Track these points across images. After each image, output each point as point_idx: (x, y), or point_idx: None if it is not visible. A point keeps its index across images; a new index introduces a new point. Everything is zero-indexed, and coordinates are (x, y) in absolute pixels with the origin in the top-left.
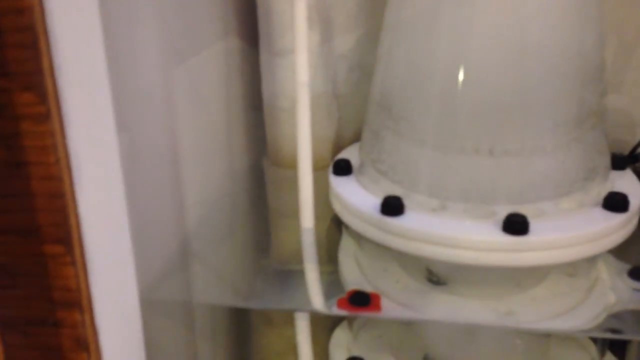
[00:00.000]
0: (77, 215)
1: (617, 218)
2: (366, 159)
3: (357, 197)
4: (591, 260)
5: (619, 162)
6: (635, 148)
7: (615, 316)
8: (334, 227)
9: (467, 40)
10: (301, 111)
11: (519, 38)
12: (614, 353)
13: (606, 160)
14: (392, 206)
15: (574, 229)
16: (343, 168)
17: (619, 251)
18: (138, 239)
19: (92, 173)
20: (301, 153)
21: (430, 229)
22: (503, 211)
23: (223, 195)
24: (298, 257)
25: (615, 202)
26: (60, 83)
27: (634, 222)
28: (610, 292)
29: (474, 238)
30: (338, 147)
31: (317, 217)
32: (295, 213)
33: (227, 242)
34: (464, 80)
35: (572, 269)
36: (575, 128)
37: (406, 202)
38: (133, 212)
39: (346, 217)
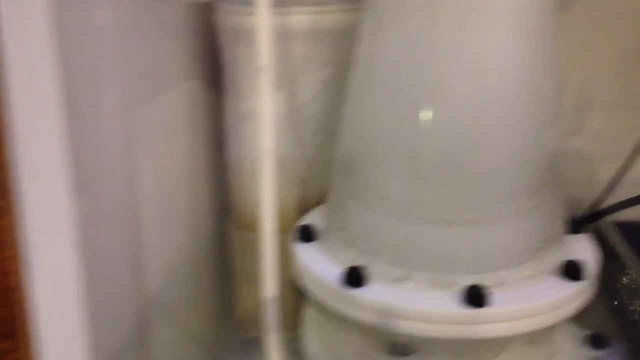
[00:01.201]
0: (28, 310)
1: (574, 286)
2: (331, 226)
3: (319, 266)
4: (551, 327)
5: (575, 226)
6: (592, 211)
7: None
8: (300, 291)
9: (429, 112)
10: (265, 177)
11: (480, 111)
12: None
13: (563, 226)
14: (354, 277)
15: (533, 300)
16: (306, 234)
17: (578, 317)
18: (94, 325)
19: (47, 264)
20: (264, 222)
21: (391, 301)
22: (465, 280)
23: (186, 260)
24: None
25: (573, 271)
26: (19, 176)
27: (591, 288)
28: None
29: (435, 311)
30: (304, 208)
31: (283, 282)
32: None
33: (189, 310)
34: (426, 150)
35: (533, 336)
36: (534, 196)
37: (370, 271)
38: (89, 296)
39: (308, 286)
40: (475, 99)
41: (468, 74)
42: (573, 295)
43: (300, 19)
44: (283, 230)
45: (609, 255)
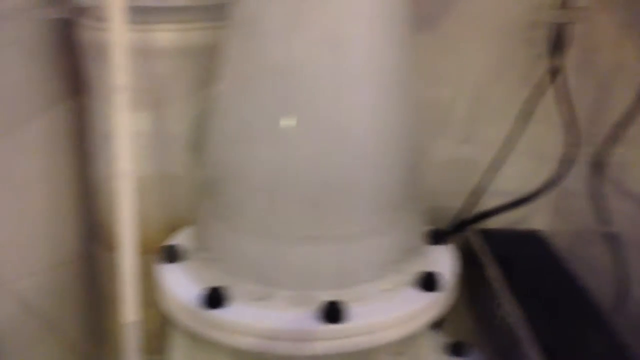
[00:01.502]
0: None
1: (429, 297)
2: (196, 246)
3: (180, 288)
4: (415, 337)
5: (437, 238)
6: (457, 222)
7: None
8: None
9: (290, 132)
10: (123, 197)
11: (340, 131)
12: None
13: (423, 239)
14: (214, 298)
15: (388, 312)
16: (171, 255)
17: (450, 325)
18: None
19: None
20: (123, 244)
21: (251, 321)
22: (325, 296)
23: (46, 287)
24: None
25: (429, 282)
26: None
27: (448, 298)
28: None
29: (294, 329)
30: (173, 229)
31: (150, 303)
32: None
33: (49, 340)
34: (286, 170)
35: (399, 347)
36: (394, 211)
37: (233, 290)
38: None
39: (169, 308)
40: (335, 119)
41: (328, 95)
42: (428, 306)
43: (165, 36)
44: (151, 251)
45: (475, 262)
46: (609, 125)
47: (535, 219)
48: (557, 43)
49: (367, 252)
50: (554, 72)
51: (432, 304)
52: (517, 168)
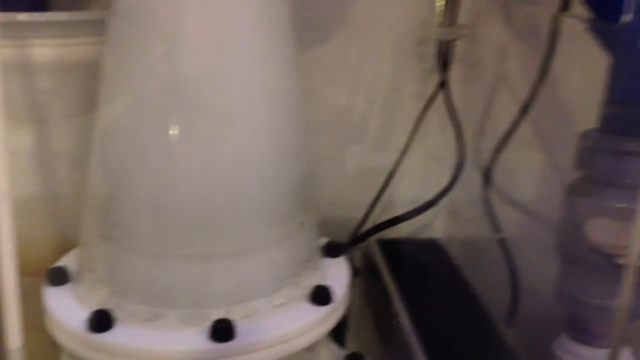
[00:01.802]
0: None
1: (322, 311)
2: (83, 267)
3: (65, 311)
4: (311, 350)
5: (333, 250)
6: (355, 236)
7: None
8: None
9: (174, 148)
10: (1, 223)
11: (224, 145)
12: None
13: (317, 252)
14: (99, 321)
15: (278, 328)
16: (57, 277)
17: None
18: None
19: None
20: (4, 274)
21: (137, 344)
22: (217, 314)
23: None
24: None
25: (320, 296)
26: None
27: (340, 310)
28: None
29: (183, 350)
30: (64, 249)
31: (40, 328)
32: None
33: None
34: (171, 187)
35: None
36: (284, 226)
37: (119, 312)
38: None
39: (55, 333)
40: (222, 135)
41: (213, 110)
42: (319, 320)
43: (44, 51)
44: (36, 273)
45: (375, 273)
46: (494, 137)
47: (437, 227)
48: (444, 58)
49: (258, 268)
50: (443, 86)
51: (323, 318)
52: (416, 177)
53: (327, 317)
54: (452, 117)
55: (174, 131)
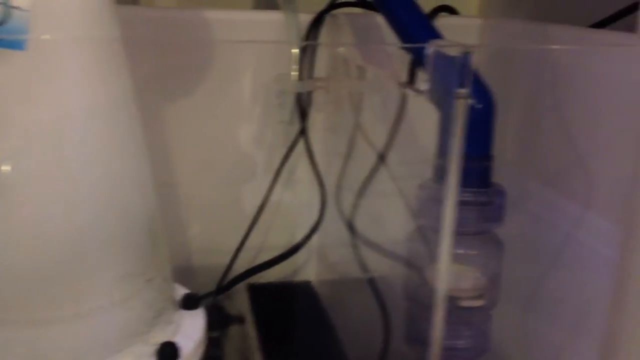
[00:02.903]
0: None
1: None
2: None
3: None
4: None
5: (190, 303)
6: (221, 283)
7: None
8: None
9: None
10: None
11: (56, 204)
12: None
13: (171, 306)
14: None
15: None
16: None
17: None
18: None
19: None
20: None
21: None
22: None
23: None
24: None
25: (166, 353)
26: None
27: None
28: None
29: None
30: None
31: None
32: None
33: None
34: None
35: None
36: (129, 285)
37: None
38: None
39: None
40: (52, 194)
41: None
42: None
43: None
44: None
45: (241, 320)
46: (355, 182)
47: (310, 270)
48: (302, 109)
49: (98, 330)
50: (302, 134)
51: None
52: (287, 224)
53: None
54: (312, 164)
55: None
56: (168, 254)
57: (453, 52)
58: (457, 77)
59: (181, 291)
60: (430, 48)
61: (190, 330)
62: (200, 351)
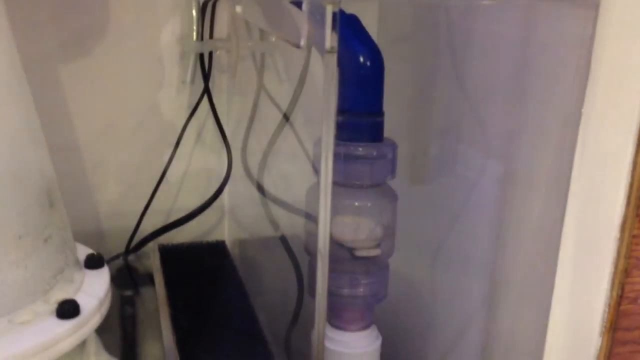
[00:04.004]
0: None
1: (67, 325)
2: None
3: None
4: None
5: (93, 262)
6: (129, 244)
7: None
8: None
9: None
10: None
11: None
12: None
13: (73, 265)
14: None
15: (19, 344)
16: None
17: None
18: None
19: None
20: None
21: None
22: None
23: None
24: None
25: (66, 310)
26: None
27: (92, 323)
28: None
29: None
30: None
31: None
32: None
33: None
34: None
35: None
36: (26, 245)
37: None
38: None
39: None
40: None
41: None
42: (64, 334)
43: None
44: None
45: (151, 281)
46: (262, 143)
47: (224, 230)
48: (205, 70)
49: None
50: (205, 95)
51: (69, 332)
52: (199, 186)
53: (73, 330)
54: (218, 125)
55: None
56: (66, 216)
57: (323, 4)
58: (325, 30)
59: (86, 252)
60: (306, 1)
61: (92, 288)
62: (104, 309)
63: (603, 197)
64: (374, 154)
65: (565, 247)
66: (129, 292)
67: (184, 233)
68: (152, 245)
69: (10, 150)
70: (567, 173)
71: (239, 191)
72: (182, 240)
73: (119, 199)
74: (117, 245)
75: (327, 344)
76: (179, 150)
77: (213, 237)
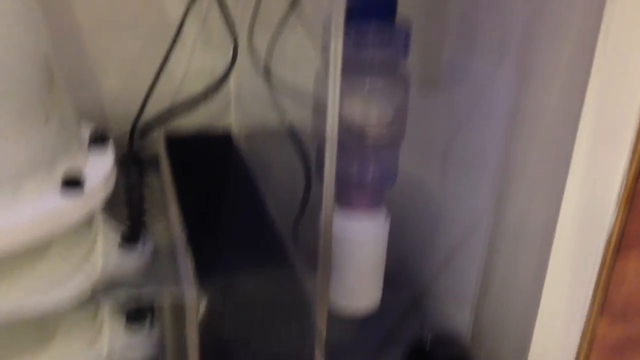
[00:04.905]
0: None
1: (71, 197)
2: None
3: None
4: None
5: (97, 139)
6: (134, 127)
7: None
8: None
9: None
10: None
11: None
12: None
13: (76, 142)
14: None
15: (23, 215)
16: None
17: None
18: None
19: None
20: None
21: None
22: None
23: None
24: None
25: (70, 183)
26: None
27: (96, 198)
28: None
29: None
30: None
31: None
32: None
33: None
34: None
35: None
36: (27, 121)
37: None
38: None
39: None
40: None
41: None
42: (66, 207)
43: None
44: None
45: (158, 168)
46: (268, 27)
47: (231, 117)
48: None
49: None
50: None
51: (73, 205)
52: (197, 71)
53: (78, 203)
54: (222, 9)
55: None
56: (69, 96)
57: None
58: None
59: (86, 129)
60: None
61: (96, 165)
62: (109, 183)
63: (625, 86)
64: (386, 33)
65: (581, 138)
66: (133, 177)
67: (189, 122)
68: (157, 135)
69: (7, 26)
70: (588, 64)
71: (245, 78)
72: (185, 128)
73: (124, 88)
74: (121, 133)
75: (335, 230)
76: (181, 37)
77: (220, 124)
